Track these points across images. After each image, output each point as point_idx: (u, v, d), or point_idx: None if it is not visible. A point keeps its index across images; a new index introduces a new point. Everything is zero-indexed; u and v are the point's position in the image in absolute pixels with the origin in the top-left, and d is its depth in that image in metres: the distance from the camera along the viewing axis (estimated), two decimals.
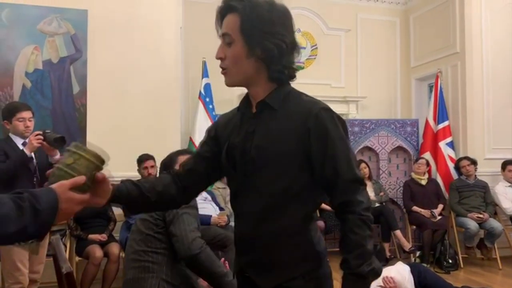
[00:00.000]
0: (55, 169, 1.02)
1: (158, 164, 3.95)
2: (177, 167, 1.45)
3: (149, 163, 3.79)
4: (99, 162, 1.04)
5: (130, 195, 1.17)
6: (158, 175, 3.62)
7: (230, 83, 1.19)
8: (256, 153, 1.13)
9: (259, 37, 1.10)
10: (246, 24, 1.10)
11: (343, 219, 1.10)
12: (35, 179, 2.85)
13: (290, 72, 1.17)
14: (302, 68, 5.80)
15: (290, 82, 1.21)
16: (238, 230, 1.22)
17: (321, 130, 1.09)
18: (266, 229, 1.14)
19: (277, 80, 1.16)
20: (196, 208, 1.93)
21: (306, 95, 1.19)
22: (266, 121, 1.15)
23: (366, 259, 1.08)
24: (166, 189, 1.22)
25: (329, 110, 1.13)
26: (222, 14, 1.15)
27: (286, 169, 1.11)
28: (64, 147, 2.85)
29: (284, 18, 1.15)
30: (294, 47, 1.15)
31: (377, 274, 1.10)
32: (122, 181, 1.19)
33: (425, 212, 4.79)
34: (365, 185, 1.15)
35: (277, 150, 1.11)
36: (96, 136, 3.89)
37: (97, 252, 3.43)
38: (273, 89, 1.17)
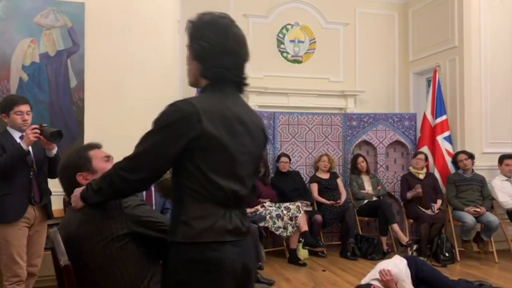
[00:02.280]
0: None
1: None
2: (95, 163, 1.61)
3: None
4: None
5: None
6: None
7: (189, 82, 1.45)
8: None
9: (193, 41, 1.37)
10: (189, 35, 1.39)
11: None
12: (31, 173, 2.84)
13: (223, 72, 1.35)
14: (300, 62, 5.80)
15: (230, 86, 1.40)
16: None
17: None
18: None
19: (206, 77, 1.36)
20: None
21: (200, 96, 1.39)
22: None
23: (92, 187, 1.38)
24: None
25: (167, 105, 1.31)
26: None
27: None
28: (61, 141, 2.84)
29: (215, 26, 1.36)
30: (229, 52, 1.35)
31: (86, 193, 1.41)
32: None
33: (418, 192, 4.83)
34: (135, 166, 1.31)
35: None
36: (94, 130, 3.88)
37: None
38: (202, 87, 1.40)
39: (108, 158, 1.67)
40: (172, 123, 1.26)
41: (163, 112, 1.30)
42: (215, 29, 1.35)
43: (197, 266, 1.25)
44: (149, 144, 1.30)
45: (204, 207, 1.28)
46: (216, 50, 1.34)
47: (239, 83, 1.41)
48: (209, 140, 1.27)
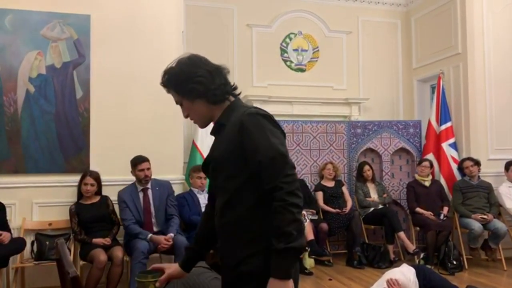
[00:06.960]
0: None
1: (157, 165, 3.97)
2: None
3: (145, 165, 3.76)
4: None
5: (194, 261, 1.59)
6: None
7: (202, 126, 1.55)
8: (214, 163, 1.45)
9: (186, 87, 1.45)
10: (175, 88, 1.49)
11: (272, 206, 1.27)
12: None
13: (227, 89, 1.46)
14: (304, 70, 5.82)
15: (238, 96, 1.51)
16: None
17: (243, 128, 1.34)
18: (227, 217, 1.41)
19: (218, 102, 1.45)
20: None
21: (245, 105, 1.47)
22: (220, 135, 1.46)
23: (283, 238, 1.22)
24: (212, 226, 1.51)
25: (251, 114, 1.36)
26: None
27: (233, 171, 1.37)
28: None
29: (192, 62, 1.46)
30: (215, 72, 1.45)
31: (296, 250, 1.23)
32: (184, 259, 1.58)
33: (428, 214, 4.78)
34: (288, 161, 1.30)
35: (224, 155, 1.39)
36: (99, 140, 3.91)
37: (101, 255, 3.44)
38: (223, 109, 1.47)
39: None
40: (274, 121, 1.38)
41: (262, 119, 1.35)
42: (193, 64, 1.45)
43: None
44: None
45: (266, 211, 1.34)
46: (208, 77, 1.44)
47: (234, 94, 1.52)
48: None
